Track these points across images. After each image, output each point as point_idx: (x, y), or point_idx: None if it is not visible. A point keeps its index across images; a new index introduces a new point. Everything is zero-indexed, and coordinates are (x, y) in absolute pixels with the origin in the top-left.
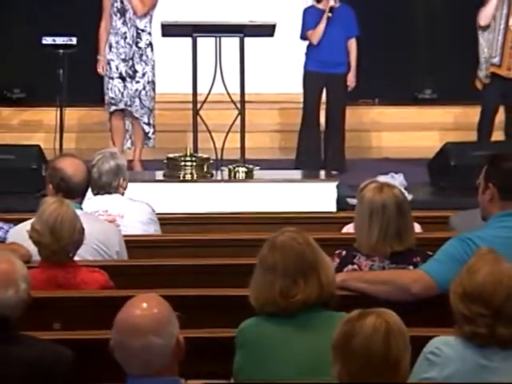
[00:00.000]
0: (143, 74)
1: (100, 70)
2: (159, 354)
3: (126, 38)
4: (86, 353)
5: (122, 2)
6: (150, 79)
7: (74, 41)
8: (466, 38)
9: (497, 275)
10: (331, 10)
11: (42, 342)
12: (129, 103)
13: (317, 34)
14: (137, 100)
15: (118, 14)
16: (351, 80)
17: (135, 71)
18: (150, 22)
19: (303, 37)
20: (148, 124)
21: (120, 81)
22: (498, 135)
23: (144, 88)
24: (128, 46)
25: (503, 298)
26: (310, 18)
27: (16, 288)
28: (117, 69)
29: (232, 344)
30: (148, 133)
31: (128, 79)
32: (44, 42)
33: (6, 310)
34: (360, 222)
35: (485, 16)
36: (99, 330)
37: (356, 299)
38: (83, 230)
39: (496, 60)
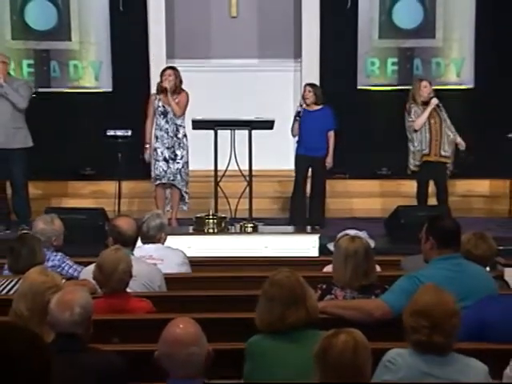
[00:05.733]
0: (181, 157)
1: (147, 156)
2: (198, 360)
3: (168, 132)
4: (136, 360)
5: (163, 107)
6: (186, 160)
7: (129, 133)
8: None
9: (437, 298)
10: (298, 114)
11: (104, 351)
12: (172, 178)
13: (293, 131)
14: (178, 176)
15: (162, 115)
16: (329, 162)
17: (176, 155)
18: (184, 119)
19: None
20: (186, 192)
21: (164, 162)
22: (432, 201)
23: (183, 167)
24: (170, 138)
25: (441, 315)
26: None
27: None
28: (161, 154)
29: (243, 354)
30: (185, 198)
31: (171, 161)
32: (108, 133)
33: (77, 328)
34: (337, 264)
35: (420, 123)
36: (146, 344)
37: (333, 321)
38: (133, 270)
39: (426, 151)
